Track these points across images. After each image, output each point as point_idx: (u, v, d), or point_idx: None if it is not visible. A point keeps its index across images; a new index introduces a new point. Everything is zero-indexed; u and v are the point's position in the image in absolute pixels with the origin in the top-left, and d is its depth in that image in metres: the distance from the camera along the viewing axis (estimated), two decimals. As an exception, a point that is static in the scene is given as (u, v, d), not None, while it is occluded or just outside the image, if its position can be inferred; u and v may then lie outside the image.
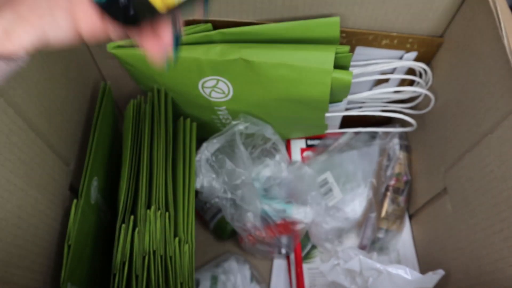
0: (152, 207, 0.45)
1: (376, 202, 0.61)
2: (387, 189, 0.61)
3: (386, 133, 0.63)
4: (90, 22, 0.27)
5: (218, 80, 0.50)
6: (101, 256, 0.52)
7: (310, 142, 0.67)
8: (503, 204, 0.41)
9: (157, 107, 0.53)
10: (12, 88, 0.39)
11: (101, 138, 0.52)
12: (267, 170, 0.59)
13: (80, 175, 0.48)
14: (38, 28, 0.27)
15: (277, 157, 0.59)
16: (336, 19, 0.45)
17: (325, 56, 0.44)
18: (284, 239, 0.59)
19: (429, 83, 0.56)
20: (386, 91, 0.56)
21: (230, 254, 0.62)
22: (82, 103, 0.56)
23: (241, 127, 0.55)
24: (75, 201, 0.45)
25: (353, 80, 0.47)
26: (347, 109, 0.60)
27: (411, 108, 0.59)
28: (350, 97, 0.55)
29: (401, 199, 0.61)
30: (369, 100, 0.59)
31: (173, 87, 0.53)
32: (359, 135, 0.65)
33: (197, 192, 0.55)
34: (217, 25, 0.48)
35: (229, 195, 0.55)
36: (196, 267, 0.58)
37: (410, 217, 0.63)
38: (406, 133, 0.63)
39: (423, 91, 0.54)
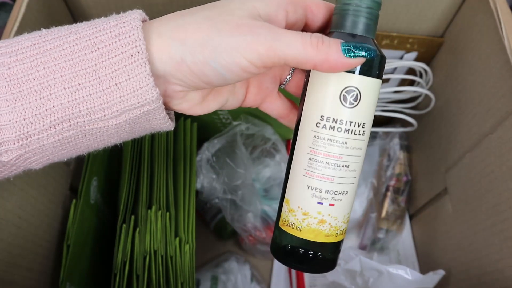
0: (153, 207, 0.45)
1: (376, 202, 0.61)
2: (387, 189, 0.61)
3: (387, 133, 0.63)
4: (253, 101, 0.33)
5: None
6: (100, 256, 0.52)
7: (310, 142, 0.67)
8: (504, 204, 0.41)
9: (157, 107, 0.53)
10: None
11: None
12: (267, 170, 0.59)
13: (80, 175, 0.48)
14: (225, 99, 0.31)
15: (277, 157, 0.59)
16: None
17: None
18: (284, 239, 0.59)
19: (430, 83, 0.56)
20: (386, 91, 0.56)
21: (230, 254, 0.62)
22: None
23: (242, 127, 0.55)
24: (74, 201, 0.45)
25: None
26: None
27: (411, 108, 0.59)
28: (350, 97, 0.55)
29: (402, 199, 0.61)
30: (369, 100, 0.59)
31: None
32: (359, 135, 0.65)
33: (197, 192, 0.55)
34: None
35: (229, 196, 0.55)
36: (196, 267, 0.58)
37: (411, 217, 0.63)
38: (406, 133, 0.63)
39: (424, 91, 0.54)
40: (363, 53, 0.26)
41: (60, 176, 0.48)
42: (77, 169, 0.52)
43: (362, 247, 0.61)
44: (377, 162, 0.62)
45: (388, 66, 0.54)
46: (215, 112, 0.56)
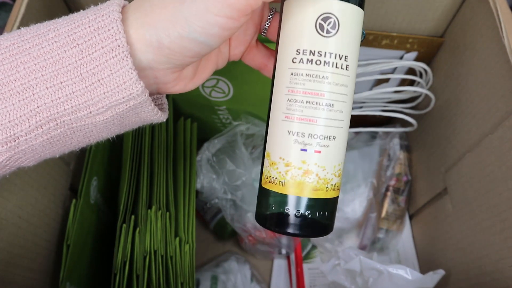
0: (153, 207, 0.45)
1: (376, 202, 0.61)
2: (387, 189, 0.61)
3: (387, 133, 0.63)
4: (234, 55, 0.33)
5: (218, 80, 0.50)
6: (101, 256, 0.52)
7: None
8: (504, 204, 0.41)
9: (157, 107, 0.53)
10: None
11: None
12: (267, 170, 0.59)
13: (80, 175, 0.48)
14: (215, 64, 0.30)
15: (277, 157, 0.59)
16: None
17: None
18: (284, 240, 0.59)
19: (429, 83, 0.56)
20: (386, 91, 0.56)
21: (230, 254, 0.62)
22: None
23: (242, 127, 0.55)
24: (74, 200, 0.45)
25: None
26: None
27: (411, 108, 0.59)
28: (350, 97, 0.55)
29: (401, 199, 0.61)
30: (370, 100, 0.59)
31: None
32: (359, 135, 0.65)
33: (197, 192, 0.55)
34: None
35: (229, 196, 0.55)
36: (196, 267, 0.58)
37: (411, 217, 0.63)
38: (406, 133, 0.63)
39: (424, 91, 0.54)
40: None
41: (60, 176, 0.48)
42: (77, 169, 0.52)
43: (362, 247, 0.61)
44: (377, 162, 0.62)
45: (388, 66, 0.54)
46: (215, 112, 0.56)
